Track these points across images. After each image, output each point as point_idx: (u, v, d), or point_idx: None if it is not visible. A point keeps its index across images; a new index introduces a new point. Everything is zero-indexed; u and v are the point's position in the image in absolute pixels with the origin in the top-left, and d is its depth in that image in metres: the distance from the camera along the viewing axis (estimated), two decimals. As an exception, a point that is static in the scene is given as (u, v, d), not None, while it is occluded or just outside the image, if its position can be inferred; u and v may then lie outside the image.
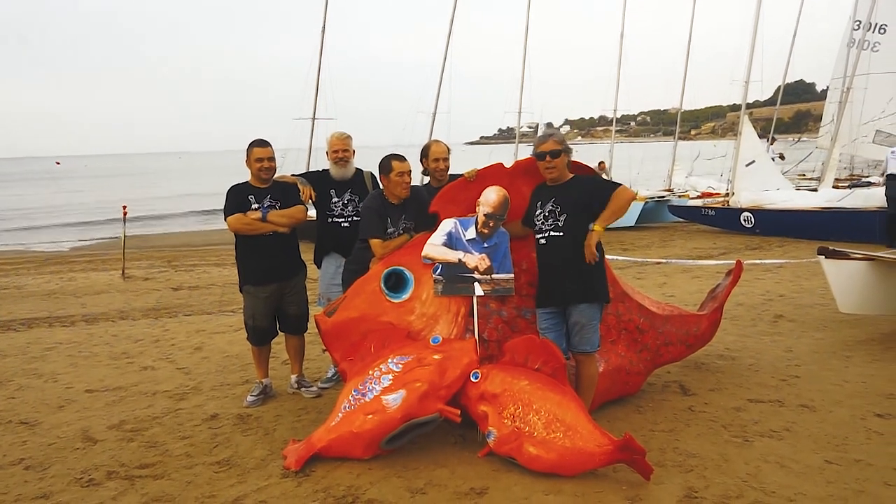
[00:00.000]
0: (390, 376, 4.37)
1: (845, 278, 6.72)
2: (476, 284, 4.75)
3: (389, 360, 4.46)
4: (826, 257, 6.68)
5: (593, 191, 4.58)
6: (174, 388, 6.03)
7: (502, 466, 4.18)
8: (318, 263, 5.99)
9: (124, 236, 14.15)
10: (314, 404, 5.50)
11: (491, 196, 4.81)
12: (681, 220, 19.19)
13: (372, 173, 5.90)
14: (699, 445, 4.45)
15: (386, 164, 5.08)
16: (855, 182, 21.34)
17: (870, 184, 19.42)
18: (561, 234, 4.56)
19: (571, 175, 4.71)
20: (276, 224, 5.34)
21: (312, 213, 5.82)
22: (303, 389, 5.74)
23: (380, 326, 4.76)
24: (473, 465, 4.23)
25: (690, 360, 5.96)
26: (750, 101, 20.04)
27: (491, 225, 4.79)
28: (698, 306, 6.25)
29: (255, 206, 5.33)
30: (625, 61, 25.73)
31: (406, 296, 4.88)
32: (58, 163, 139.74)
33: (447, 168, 5.55)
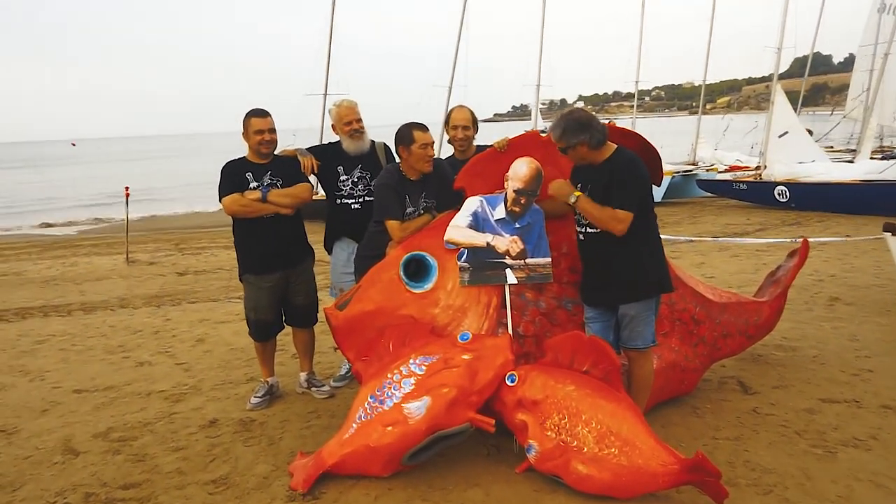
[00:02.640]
0: (412, 380, 3.73)
1: (915, 257, 6.09)
2: (508, 271, 4.10)
3: (411, 361, 3.82)
4: (893, 234, 6.09)
5: (618, 183, 3.78)
6: (171, 388, 5.44)
7: (545, 486, 3.55)
8: (329, 249, 5.34)
9: (127, 218, 13.61)
10: (326, 406, 4.90)
11: (521, 169, 4.13)
12: (709, 194, 18.40)
13: (385, 144, 5.22)
14: (773, 458, 3.80)
15: (406, 133, 4.36)
16: (887, 154, 20.48)
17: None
18: (597, 230, 3.87)
19: (613, 150, 3.89)
20: (277, 205, 4.70)
21: (320, 191, 5.17)
22: (313, 389, 5.13)
23: (399, 321, 4.10)
24: (511, 484, 3.61)
25: (746, 352, 5.28)
26: (771, 72, 19.28)
27: (522, 202, 4.13)
28: (756, 291, 5.57)
29: (253, 184, 4.68)
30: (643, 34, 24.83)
31: (429, 285, 4.21)
32: (74, 144, 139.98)
33: (468, 138, 4.90)
